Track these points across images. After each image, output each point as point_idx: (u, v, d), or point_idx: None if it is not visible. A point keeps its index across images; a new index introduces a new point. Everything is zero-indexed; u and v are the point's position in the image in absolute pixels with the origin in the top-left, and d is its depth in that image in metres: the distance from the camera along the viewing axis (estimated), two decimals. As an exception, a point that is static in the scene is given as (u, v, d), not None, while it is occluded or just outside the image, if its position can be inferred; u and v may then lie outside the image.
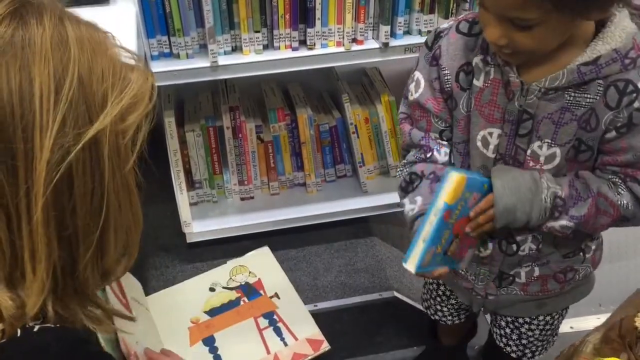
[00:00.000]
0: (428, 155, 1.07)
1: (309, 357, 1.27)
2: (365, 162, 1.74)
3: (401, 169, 1.12)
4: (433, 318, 1.42)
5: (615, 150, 0.94)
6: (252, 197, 1.72)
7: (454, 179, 0.93)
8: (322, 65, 1.45)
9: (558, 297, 1.17)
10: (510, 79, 0.93)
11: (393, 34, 1.44)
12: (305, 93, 1.75)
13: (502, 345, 1.30)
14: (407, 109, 1.11)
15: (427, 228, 0.94)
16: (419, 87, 1.05)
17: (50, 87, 0.54)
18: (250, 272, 1.44)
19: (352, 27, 1.40)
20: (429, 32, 1.45)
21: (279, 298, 1.36)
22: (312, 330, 1.30)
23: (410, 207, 1.06)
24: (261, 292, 1.39)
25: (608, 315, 1.76)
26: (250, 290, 1.40)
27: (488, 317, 1.66)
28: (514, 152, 0.99)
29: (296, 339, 1.30)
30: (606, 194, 0.95)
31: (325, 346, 1.29)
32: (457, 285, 1.23)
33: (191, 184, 1.68)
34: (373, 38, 1.45)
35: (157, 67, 1.35)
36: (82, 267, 0.60)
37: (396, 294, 1.69)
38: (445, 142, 1.07)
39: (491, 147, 1.00)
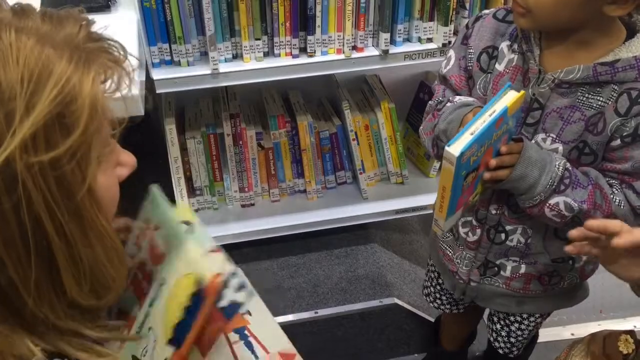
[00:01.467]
0: (442, 99, 1.09)
1: None
2: (366, 169, 1.74)
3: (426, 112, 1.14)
4: (432, 306, 1.43)
5: (617, 158, 0.95)
6: (252, 204, 1.72)
7: (517, 94, 0.91)
8: (323, 72, 1.45)
9: (539, 299, 1.19)
10: (530, 66, 0.95)
11: (393, 42, 1.45)
12: (306, 100, 1.76)
13: (491, 339, 1.32)
14: (438, 80, 1.16)
15: (478, 124, 0.89)
16: (448, 64, 1.10)
17: None
18: None
19: (352, 35, 1.41)
20: (428, 39, 1.46)
21: (250, 315, 1.26)
22: (284, 344, 1.22)
23: (447, 105, 1.04)
24: None
25: (609, 321, 1.77)
26: None
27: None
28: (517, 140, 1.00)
29: (267, 352, 1.22)
30: (602, 186, 0.96)
31: None
32: (444, 267, 1.25)
33: (192, 191, 1.68)
34: (373, 45, 1.46)
35: (158, 74, 1.36)
36: (33, 310, 0.53)
37: (397, 300, 1.69)
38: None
39: None
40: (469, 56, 1.05)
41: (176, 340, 0.87)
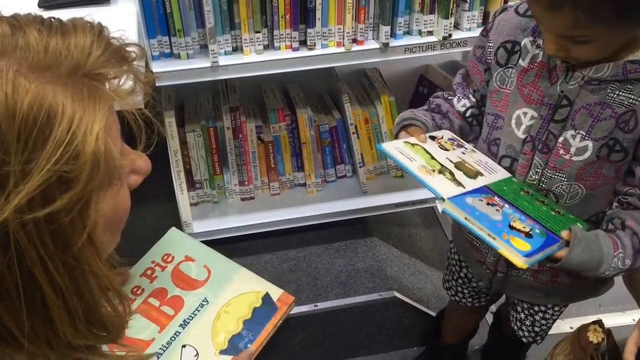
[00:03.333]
0: (450, 98, 1.19)
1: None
2: (365, 162, 1.74)
3: (433, 95, 1.25)
4: (453, 299, 1.43)
5: None
6: (252, 198, 1.72)
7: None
8: (323, 65, 1.45)
9: (566, 290, 1.18)
10: (558, 64, 0.95)
11: (393, 35, 1.44)
12: (306, 93, 1.75)
13: (515, 328, 1.32)
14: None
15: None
16: (471, 49, 1.14)
17: None
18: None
19: (353, 28, 1.40)
20: (429, 32, 1.46)
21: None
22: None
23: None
24: None
25: (608, 315, 1.77)
26: None
27: (490, 317, 1.66)
28: (545, 137, 1.01)
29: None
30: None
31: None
32: (472, 257, 1.25)
33: (192, 184, 1.68)
34: (373, 38, 1.45)
35: (157, 67, 1.35)
36: (31, 350, 0.51)
37: (396, 294, 1.69)
38: (473, 100, 1.17)
39: (522, 127, 1.03)
40: (488, 50, 1.07)
41: (230, 350, 0.95)
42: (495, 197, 1.02)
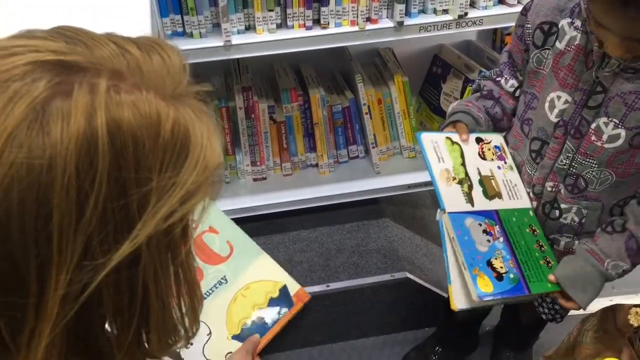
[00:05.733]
0: (498, 79, 1.18)
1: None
2: (378, 143, 1.73)
3: (480, 75, 1.27)
4: None
5: None
6: (264, 178, 1.72)
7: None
8: (336, 44, 1.44)
9: None
10: (595, 48, 0.93)
11: (408, 13, 1.42)
12: (318, 73, 1.74)
13: (536, 304, 1.33)
14: None
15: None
16: (514, 27, 1.13)
17: (72, 214, 0.41)
18: None
19: (367, 6, 1.39)
20: (444, 11, 1.44)
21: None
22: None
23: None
24: None
25: (620, 297, 1.76)
26: None
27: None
28: (577, 123, 1.00)
29: None
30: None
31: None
32: None
33: (204, 165, 1.68)
34: (387, 17, 1.43)
35: (170, 46, 1.34)
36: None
37: (408, 274, 1.69)
38: (520, 78, 1.15)
39: (556, 110, 1.02)
40: (527, 30, 1.06)
41: (242, 337, 0.96)
42: (496, 227, 1.03)
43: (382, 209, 1.90)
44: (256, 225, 1.73)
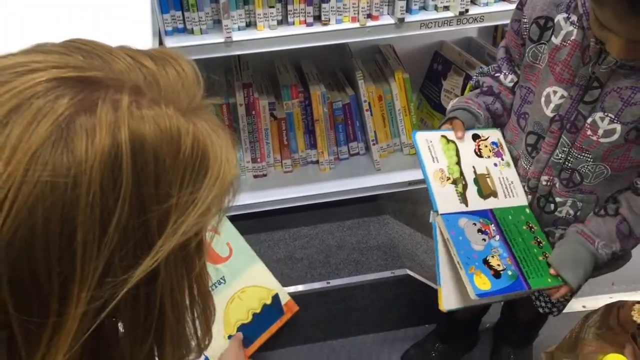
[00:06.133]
0: (497, 75, 1.18)
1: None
2: (379, 140, 1.73)
3: (478, 71, 1.27)
4: None
5: None
6: (265, 175, 1.72)
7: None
8: (337, 41, 1.43)
9: None
10: (591, 44, 0.93)
11: (409, 10, 1.42)
12: (319, 70, 1.74)
13: (533, 297, 1.33)
14: None
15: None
16: (509, 22, 1.13)
17: (96, 231, 0.41)
18: None
19: (367, 2, 1.38)
20: (445, 7, 1.43)
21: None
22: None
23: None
24: None
25: (621, 294, 1.76)
26: None
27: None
28: (573, 117, 1.00)
29: None
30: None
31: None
32: None
33: (204, 161, 1.68)
34: (388, 14, 1.43)
35: (170, 42, 1.34)
36: None
37: (409, 271, 1.69)
38: (519, 72, 1.14)
39: (551, 105, 1.02)
40: (523, 25, 1.05)
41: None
42: (492, 226, 1.03)
43: (383, 206, 1.90)
44: (257, 222, 1.73)
